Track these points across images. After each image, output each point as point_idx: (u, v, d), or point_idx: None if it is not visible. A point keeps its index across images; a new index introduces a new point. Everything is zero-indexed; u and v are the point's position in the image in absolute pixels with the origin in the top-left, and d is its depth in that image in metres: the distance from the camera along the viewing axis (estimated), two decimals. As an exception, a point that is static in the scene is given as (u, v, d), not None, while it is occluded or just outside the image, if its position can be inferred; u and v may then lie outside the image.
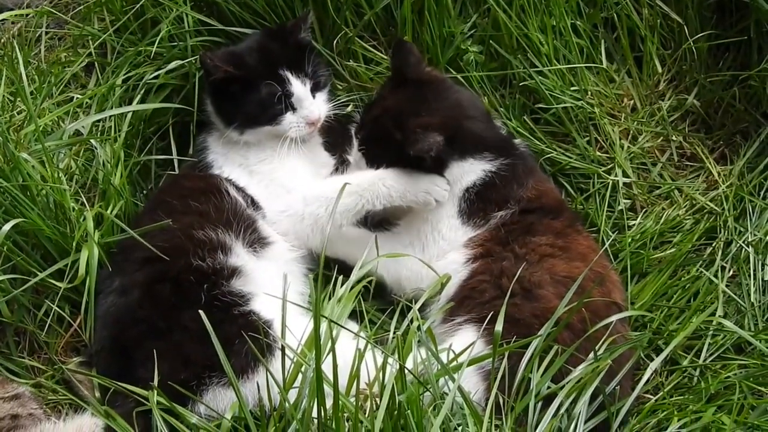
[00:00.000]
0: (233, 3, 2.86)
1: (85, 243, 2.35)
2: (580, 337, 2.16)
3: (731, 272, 2.65)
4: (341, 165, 2.78)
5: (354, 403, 1.89)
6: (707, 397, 2.28)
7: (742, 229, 2.72)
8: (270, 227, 2.57)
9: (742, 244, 2.67)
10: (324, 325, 1.92)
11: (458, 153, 2.54)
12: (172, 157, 2.79)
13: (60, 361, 2.38)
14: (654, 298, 2.59)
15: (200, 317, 1.96)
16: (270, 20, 2.87)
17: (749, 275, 2.61)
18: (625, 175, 2.84)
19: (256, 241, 2.50)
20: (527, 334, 2.15)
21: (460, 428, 1.96)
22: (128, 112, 2.72)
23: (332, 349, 1.90)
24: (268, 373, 2.00)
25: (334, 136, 2.84)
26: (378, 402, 1.90)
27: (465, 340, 2.21)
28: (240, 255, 2.44)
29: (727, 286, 2.59)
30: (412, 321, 2.07)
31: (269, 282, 2.39)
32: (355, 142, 2.66)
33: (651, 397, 2.36)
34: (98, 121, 2.71)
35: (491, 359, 2.05)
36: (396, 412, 1.86)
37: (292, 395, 1.96)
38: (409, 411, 1.86)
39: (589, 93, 2.92)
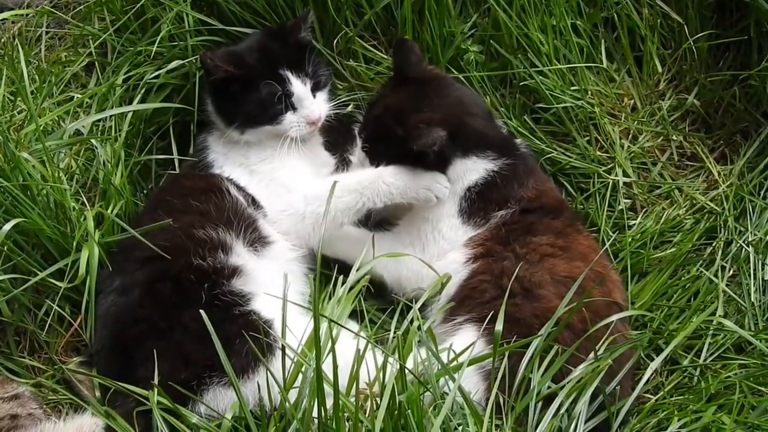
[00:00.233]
0: (233, 3, 2.86)
1: (85, 243, 2.35)
2: (581, 337, 2.16)
3: (731, 272, 2.65)
4: (342, 164, 2.78)
5: (354, 403, 1.89)
6: (707, 397, 2.28)
7: (742, 229, 2.72)
8: (271, 227, 2.57)
9: (742, 244, 2.67)
10: (324, 325, 1.92)
11: (461, 150, 2.53)
12: (172, 157, 2.79)
13: (60, 360, 2.38)
14: (654, 297, 2.59)
15: (201, 317, 1.95)
16: (270, 20, 2.87)
17: (749, 275, 2.61)
18: (625, 174, 2.84)
19: (257, 241, 2.50)
20: (528, 334, 2.15)
21: (460, 428, 1.96)
22: (129, 111, 2.72)
23: (332, 349, 1.90)
24: (269, 373, 2.00)
25: (334, 136, 2.84)
26: (378, 402, 1.90)
27: (465, 339, 2.21)
28: (240, 254, 2.44)
29: (727, 285, 2.59)
30: (412, 321, 2.07)
31: (270, 281, 2.39)
32: (359, 141, 2.66)
33: (651, 396, 2.36)
34: (99, 120, 2.71)
35: (491, 359, 2.05)
36: (396, 412, 1.86)
37: (293, 395, 1.96)
38: (409, 411, 1.86)
39: (590, 93, 2.92)
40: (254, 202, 2.61)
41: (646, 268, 2.69)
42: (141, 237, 2.31)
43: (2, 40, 2.96)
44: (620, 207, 2.79)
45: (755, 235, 2.69)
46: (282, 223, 2.58)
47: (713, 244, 2.72)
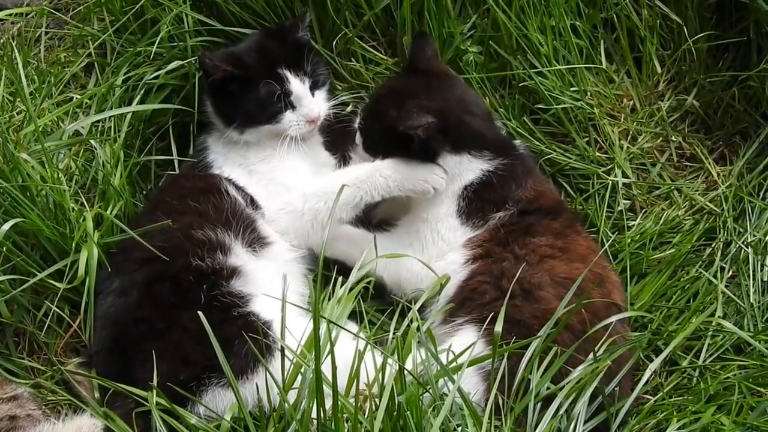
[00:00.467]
0: (233, 3, 2.86)
1: (84, 243, 2.35)
2: (580, 338, 2.16)
3: (730, 273, 2.65)
4: (342, 164, 2.79)
5: (353, 404, 1.89)
6: (706, 398, 2.28)
7: (741, 230, 2.72)
8: (270, 226, 2.57)
9: (742, 245, 2.67)
10: (323, 326, 1.92)
11: (451, 144, 2.54)
12: (171, 158, 2.79)
13: (59, 361, 2.38)
14: (653, 298, 2.59)
15: (200, 318, 1.95)
16: (270, 20, 2.87)
17: (748, 276, 2.61)
18: (624, 175, 2.84)
19: (256, 241, 2.50)
20: (527, 335, 2.15)
21: (459, 429, 1.96)
22: (128, 112, 2.72)
23: (332, 350, 1.90)
24: (268, 374, 2.00)
25: (334, 136, 2.84)
26: (377, 403, 1.90)
27: (465, 340, 2.21)
28: (239, 255, 2.43)
29: (726, 286, 2.59)
30: (411, 322, 2.07)
31: (269, 282, 2.38)
32: (357, 118, 2.67)
33: (650, 397, 2.36)
34: (98, 121, 2.71)
35: (491, 360, 2.05)
36: (395, 413, 1.86)
37: (292, 396, 1.96)
38: (408, 412, 1.86)
39: (589, 93, 2.92)
40: (253, 203, 2.61)
41: (645, 269, 2.69)
42: (140, 238, 2.31)
43: (1, 41, 2.96)
44: (619, 208, 2.79)
45: (754, 236, 2.69)
46: (281, 221, 2.59)
47: (712, 245, 2.73)
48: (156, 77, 2.78)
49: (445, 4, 2.88)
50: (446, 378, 2.01)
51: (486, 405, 1.98)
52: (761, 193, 2.82)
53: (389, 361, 1.95)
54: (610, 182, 2.81)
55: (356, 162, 2.72)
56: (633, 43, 3.05)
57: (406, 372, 1.91)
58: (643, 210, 2.83)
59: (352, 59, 2.94)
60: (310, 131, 2.71)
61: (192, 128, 2.80)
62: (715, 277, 2.61)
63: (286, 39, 2.71)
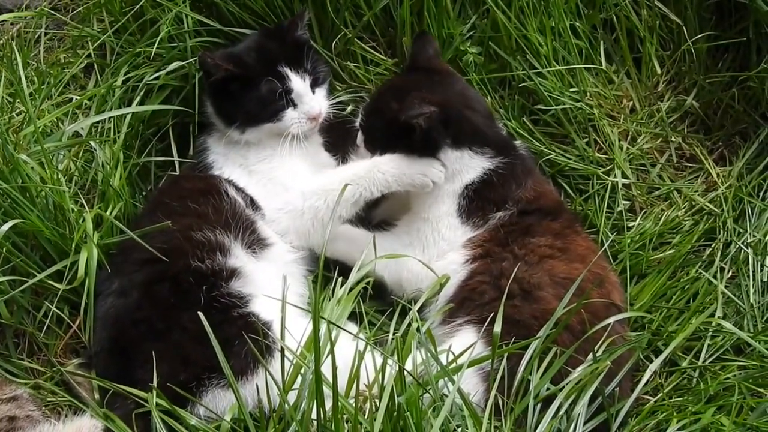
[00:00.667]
0: (232, 4, 2.86)
1: (84, 244, 2.35)
2: (580, 339, 2.16)
3: (730, 273, 2.65)
4: (342, 164, 2.78)
5: (353, 405, 1.89)
6: (706, 398, 2.28)
7: (741, 230, 2.72)
8: (270, 227, 2.57)
9: (742, 245, 2.67)
10: (323, 327, 1.92)
11: (452, 138, 2.54)
12: (171, 159, 2.79)
13: (59, 362, 2.38)
14: (653, 299, 2.59)
15: (199, 318, 1.95)
16: (269, 21, 2.87)
17: (748, 276, 2.61)
18: (624, 176, 2.84)
19: (255, 243, 2.50)
20: (527, 336, 2.15)
21: (459, 429, 1.96)
22: (128, 113, 2.72)
23: (331, 351, 1.90)
24: (268, 375, 2.00)
25: (334, 136, 2.84)
26: (377, 403, 1.90)
27: (465, 341, 2.21)
28: (239, 256, 2.43)
29: (726, 287, 2.59)
30: (411, 322, 2.07)
31: (268, 283, 2.38)
32: (359, 115, 2.68)
33: (650, 398, 2.36)
34: (97, 122, 2.71)
35: (490, 360, 2.05)
36: (395, 414, 1.86)
37: (292, 397, 1.96)
38: (408, 412, 1.86)
39: (588, 94, 2.92)
40: (253, 204, 2.61)
41: (645, 270, 2.69)
42: (139, 239, 2.31)
43: (1, 42, 2.95)
44: (619, 208, 2.79)
45: (754, 236, 2.69)
46: (281, 221, 2.58)
47: (712, 246, 2.73)
48: (156, 78, 2.78)
49: (445, 5, 2.88)
50: (446, 378, 2.01)
51: (486, 405, 1.98)
52: (761, 194, 2.82)
53: (389, 361, 1.95)
54: (610, 183, 2.81)
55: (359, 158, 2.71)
56: (632, 44, 3.05)
57: (406, 372, 1.91)
58: (643, 210, 2.83)
59: (352, 60, 2.94)
60: (311, 129, 2.71)
61: (192, 129, 2.80)
62: (714, 277, 2.61)
63: (286, 37, 2.71)
